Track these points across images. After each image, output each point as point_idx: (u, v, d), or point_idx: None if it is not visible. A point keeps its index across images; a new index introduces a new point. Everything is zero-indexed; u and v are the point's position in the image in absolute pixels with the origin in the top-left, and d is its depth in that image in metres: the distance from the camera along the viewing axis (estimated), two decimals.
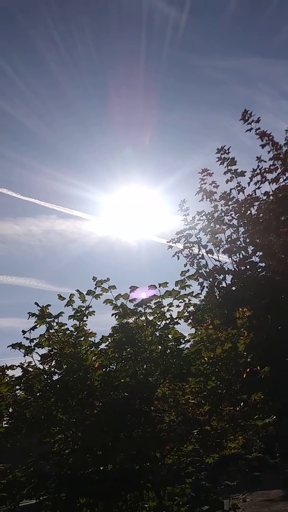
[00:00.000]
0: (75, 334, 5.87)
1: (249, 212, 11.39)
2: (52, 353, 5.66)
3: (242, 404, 6.13)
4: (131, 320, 5.92)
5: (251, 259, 11.02)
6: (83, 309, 5.97)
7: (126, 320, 5.88)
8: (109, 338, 5.86)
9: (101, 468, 5.25)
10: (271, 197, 11.36)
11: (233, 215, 11.55)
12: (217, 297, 11.04)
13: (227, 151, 12.06)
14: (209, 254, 11.53)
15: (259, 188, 11.58)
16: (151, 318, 5.93)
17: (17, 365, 5.74)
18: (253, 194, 11.58)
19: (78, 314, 5.93)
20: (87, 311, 5.97)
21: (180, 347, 5.88)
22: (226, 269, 11.25)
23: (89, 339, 5.85)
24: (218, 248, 11.49)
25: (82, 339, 5.82)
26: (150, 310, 5.94)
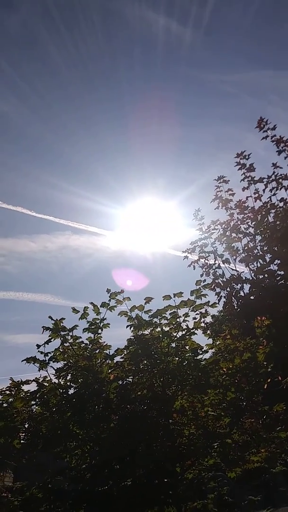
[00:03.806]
0: (90, 347, 5.80)
1: (266, 219, 11.21)
2: (67, 366, 5.59)
3: (264, 416, 5.94)
4: (146, 332, 5.84)
5: (269, 268, 10.80)
6: (97, 321, 5.90)
7: (141, 332, 5.79)
8: (125, 351, 5.78)
9: (120, 483, 5.13)
10: (287, 204, 11.18)
11: (249, 223, 11.37)
12: (235, 307, 10.84)
13: (246, 157, 11.94)
14: (225, 264, 11.34)
15: (274, 194, 11.41)
16: (167, 329, 5.83)
17: (32, 380, 5.68)
18: (269, 201, 11.40)
19: (92, 327, 5.86)
20: (101, 324, 5.90)
21: (197, 358, 5.76)
22: (244, 278, 11.04)
23: (104, 351, 5.77)
24: (234, 257, 11.30)
25: (97, 351, 5.75)
26: (166, 321, 5.84)
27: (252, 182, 11.76)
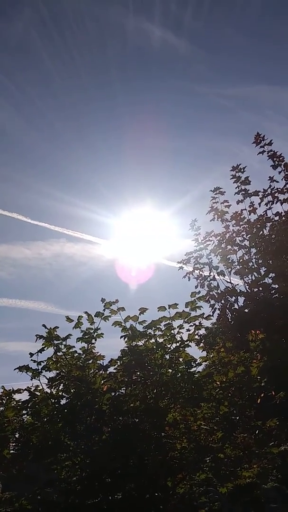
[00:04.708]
0: (83, 356, 5.75)
1: (261, 232, 11.28)
2: (59, 376, 5.54)
3: (257, 431, 5.90)
4: (140, 343, 5.80)
5: (263, 281, 10.85)
6: (91, 331, 5.86)
7: (135, 343, 5.75)
8: (118, 361, 5.73)
9: (110, 496, 5.06)
10: (283, 218, 11.27)
11: (244, 236, 11.43)
12: (229, 320, 10.84)
13: (242, 170, 12.03)
14: (220, 276, 11.38)
15: (270, 208, 11.50)
16: (161, 340, 5.79)
17: (24, 389, 5.62)
18: (265, 214, 11.49)
19: (86, 337, 5.82)
20: (95, 333, 5.85)
21: (191, 370, 5.73)
22: (238, 290, 11.07)
23: (98, 362, 5.73)
24: (229, 269, 11.34)
25: (90, 362, 5.70)
26: (160, 332, 5.81)
27: (247, 195, 11.86)
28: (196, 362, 5.87)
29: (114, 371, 5.75)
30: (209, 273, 11.54)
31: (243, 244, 11.43)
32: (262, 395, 6.03)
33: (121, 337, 5.79)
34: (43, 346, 5.62)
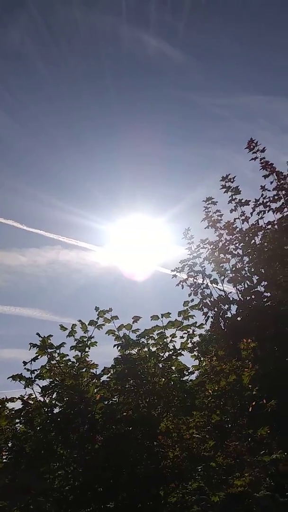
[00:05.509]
0: (76, 365, 5.77)
1: (253, 241, 11.35)
2: (53, 385, 5.55)
3: (248, 439, 5.92)
4: (133, 351, 5.83)
5: (256, 289, 10.90)
6: (85, 339, 5.88)
7: (128, 351, 5.79)
8: (111, 370, 5.76)
9: (102, 505, 5.06)
10: (275, 227, 11.35)
11: (237, 245, 11.50)
12: (222, 327, 10.88)
13: (231, 180, 12.10)
14: (213, 284, 11.42)
15: (261, 218, 11.59)
16: (154, 349, 5.83)
17: (17, 397, 5.62)
18: (256, 223, 11.57)
19: (80, 345, 5.84)
20: (89, 342, 5.88)
21: (183, 379, 5.77)
22: (231, 299, 11.12)
23: (91, 370, 5.75)
24: (222, 277, 11.39)
25: (83, 370, 5.72)
26: (153, 341, 5.85)
27: (239, 204, 11.92)
28: (189, 371, 5.91)
29: (107, 379, 5.78)
30: (203, 281, 11.59)
31: (236, 252, 11.49)
32: (254, 403, 6.06)
33: (115, 345, 5.82)
34: (37, 354, 5.64)
